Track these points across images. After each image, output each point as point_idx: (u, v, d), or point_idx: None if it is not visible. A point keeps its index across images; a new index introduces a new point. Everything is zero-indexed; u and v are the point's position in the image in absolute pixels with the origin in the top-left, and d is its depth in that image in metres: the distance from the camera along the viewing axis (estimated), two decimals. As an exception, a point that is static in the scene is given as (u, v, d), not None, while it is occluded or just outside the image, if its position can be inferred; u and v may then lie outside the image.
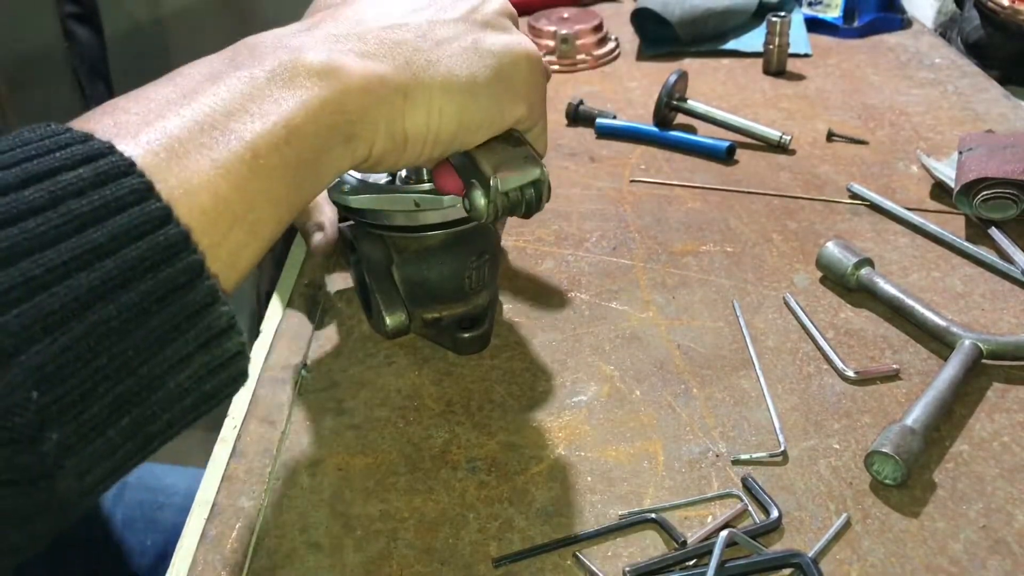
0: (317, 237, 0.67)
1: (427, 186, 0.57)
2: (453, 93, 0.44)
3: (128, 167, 0.31)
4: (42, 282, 0.28)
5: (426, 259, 0.61)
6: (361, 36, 0.42)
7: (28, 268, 0.28)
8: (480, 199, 0.48)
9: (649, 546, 0.49)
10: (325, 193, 0.59)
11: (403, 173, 0.59)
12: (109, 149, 0.31)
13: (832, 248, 0.68)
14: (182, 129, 0.34)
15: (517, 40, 0.47)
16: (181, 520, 0.53)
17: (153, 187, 0.31)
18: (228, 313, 0.33)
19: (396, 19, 0.44)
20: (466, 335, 0.62)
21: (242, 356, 0.34)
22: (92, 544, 0.82)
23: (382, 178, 0.61)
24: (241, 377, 0.35)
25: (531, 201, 0.50)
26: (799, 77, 1.06)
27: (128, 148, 0.32)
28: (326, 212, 0.67)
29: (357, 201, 0.57)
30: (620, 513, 0.51)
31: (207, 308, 0.32)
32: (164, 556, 0.80)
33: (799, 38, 1.12)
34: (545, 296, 0.69)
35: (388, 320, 0.62)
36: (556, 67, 1.12)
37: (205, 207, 0.33)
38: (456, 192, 0.51)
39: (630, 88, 1.05)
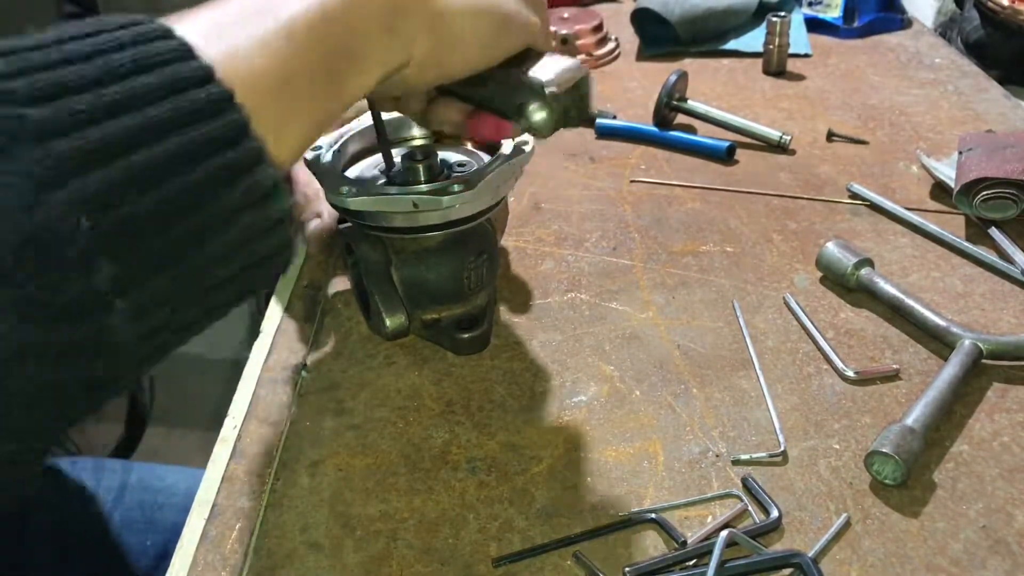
0: (314, 224, 0.68)
1: (425, 187, 0.57)
2: (471, 55, 0.46)
3: (165, 31, 0.33)
4: (89, 116, 0.30)
5: (424, 260, 0.61)
6: (406, 10, 0.43)
7: (74, 103, 0.30)
8: (540, 112, 0.48)
9: (649, 546, 0.49)
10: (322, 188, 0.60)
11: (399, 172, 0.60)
12: (147, 19, 0.33)
13: (832, 248, 0.68)
14: (222, 13, 0.36)
15: None
16: (181, 520, 0.53)
17: (192, 49, 0.33)
18: (274, 175, 0.34)
19: None
20: (465, 335, 0.62)
21: (285, 225, 0.36)
22: (92, 545, 0.82)
23: (380, 179, 0.61)
24: (286, 250, 0.36)
25: (583, 100, 0.50)
26: (799, 77, 1.06)
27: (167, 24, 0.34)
28: (325, 203, 0.68)
29: (355, 203, 0.57)
30: (620, 513, 0.51)
31: (253, 167, 0.33)
32: (164, 556, 0.80)
33: (799, 38, 1.12)
34: (545, 296, 0.69)
35: (388, 322, 0.62)
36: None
37: (242, 74, 0.34)
38: (494, 135, 0.51)
39: (630, 88, 1.05)
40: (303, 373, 0.63)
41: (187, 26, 0.35)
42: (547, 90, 0.48)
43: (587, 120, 0.50)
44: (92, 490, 0.84)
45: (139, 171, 0.30)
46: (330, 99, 0.40)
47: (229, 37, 0.35)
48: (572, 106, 0.49)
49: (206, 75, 0.33)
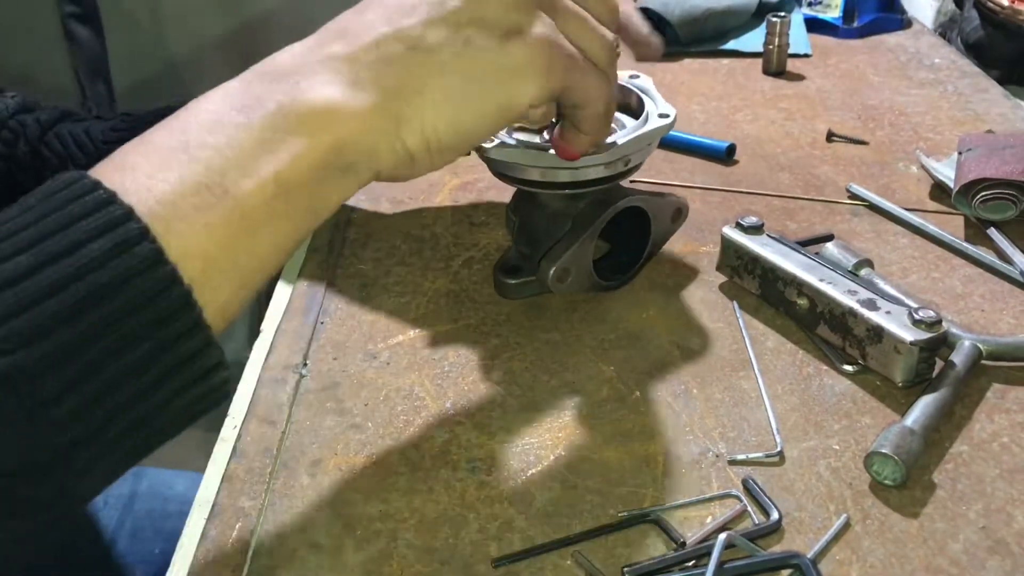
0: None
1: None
2: (443, 106, 0.45)
3: (139, 234, 0.35)
4: (66, 353, 0.34)
5: None
6: (355, 59, 0.43)
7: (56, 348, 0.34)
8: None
9: (649, 546, 0.50)
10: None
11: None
12: (112, 202, 0.36)
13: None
14: (170, 188, 0.38)
15: (520, 42, 0.46)
16: None
17: (162, 253, 0.36)
18: (218, 355, 0.38)
19: (389, 28, 0.44)
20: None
21: (224, 384, 0.40)
22: (101, 553, 0.82)
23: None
24: (222, 399, 0.40)
25: None
26: (799, 77, 1.06)
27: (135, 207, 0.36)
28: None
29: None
30: (620, 513, 0.51)
31: (202, 352, 0.38)
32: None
33: (799, 38, 1.12)
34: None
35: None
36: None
37: (196, 268, 0.37)
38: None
39: (630, 88, 1.05)
40: (303, 372, 0.63)
41: (140, 202, 0.36)
42: None
43: None
44: (102, 497, 0.84)
45: (107, 380, 0.35)
46: (282, 256, 0.42)
47: (180, 224, 0.37)
48: None
49: (170, 281, 0.36)
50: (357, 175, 0.44)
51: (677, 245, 0.74)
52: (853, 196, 0.80)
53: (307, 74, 0.43)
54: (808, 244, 0.69)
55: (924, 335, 0.56)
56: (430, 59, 0.44)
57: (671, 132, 0.91)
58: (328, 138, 0.41)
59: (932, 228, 0.74)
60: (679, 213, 0.71)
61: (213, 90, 0.42)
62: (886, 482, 0.52)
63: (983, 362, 0.59)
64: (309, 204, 0.42)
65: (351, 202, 0.82)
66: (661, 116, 0.63)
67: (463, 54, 0.45)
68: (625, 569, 0.47)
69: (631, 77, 0.68)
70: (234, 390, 0.62)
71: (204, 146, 0.39)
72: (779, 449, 0.54)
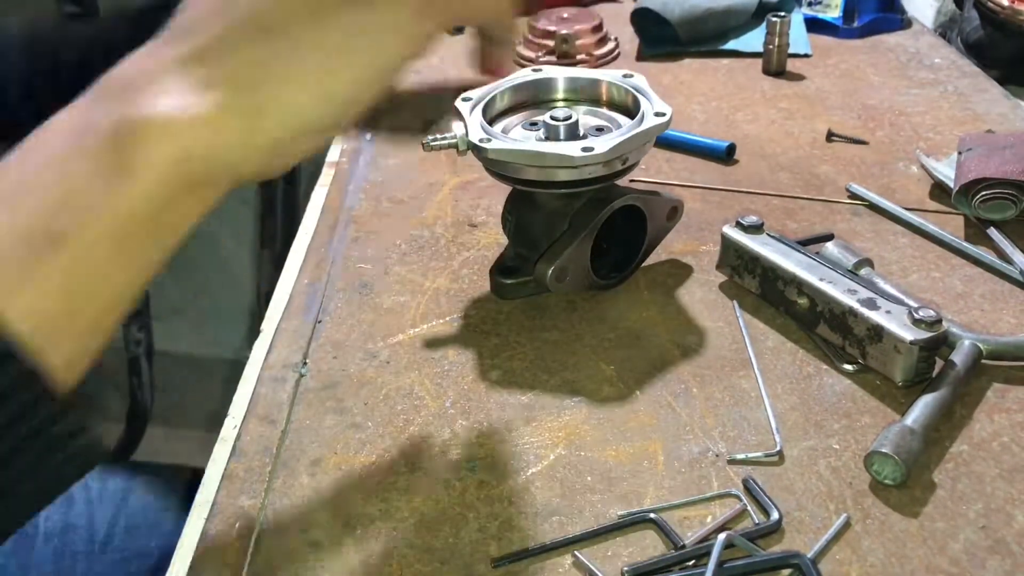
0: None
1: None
2: (308, 86, 0.39)
3: None
4: None
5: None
6: (203, 56, 0.38)
7: None
8: None
9: (649, 546, 0.50)
10: None
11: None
12: None
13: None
14: (5, 242, 0.33)
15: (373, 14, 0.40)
16: (184, 521, 0.53)
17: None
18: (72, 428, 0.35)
19: (237, 13, 0.39)
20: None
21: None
22: (96, 548, 0.82)
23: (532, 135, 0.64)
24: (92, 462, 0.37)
25: None
26: (799, 77, 1.06)
27: None
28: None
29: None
30: (620, 513, 0.51)
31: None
32: (167, 557, 0.81)
33: (799, 38, 1.12)
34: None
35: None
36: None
37: (31, 333, 0.33)
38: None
39: (630, 88, 1.05)
40: (303, 371, 0.63)
41: None
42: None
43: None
44: (97, 493, 0.85)
45: None
46: (136, 287, 0.37)
47: (10, 279, 0.33)
48: None
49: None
50: (214, 186, 0.38)
51: (677, 244, 0.75)
52: (853, 196, 0.80)
53: (146, 84, 0.37)
54: (808, 243, 0.69)
55: (924, 334, 0.56)
56: (283, 38, 0.38)
57: (672, 132, 0.91)
58: (170, 153, 0.36)
59: (932, 228, 0.74)
60: (675, 211, 0.71)
61: (63, 109, 0.37)
62: (886, 481, 0.52)
63: (983, 362, 0.59)
64: (159, 231, 0.37)
65: (351, 201, 0.82)
66: (657, 115, 0.63)
67: (319, 23, 0.39)
68: (625, 569, 0.47)
69: (625, 76, 0.68)
70: (234, 389, 0.63)
71: (36, 186, 0.35)
72: (779, 448, 0.54)
